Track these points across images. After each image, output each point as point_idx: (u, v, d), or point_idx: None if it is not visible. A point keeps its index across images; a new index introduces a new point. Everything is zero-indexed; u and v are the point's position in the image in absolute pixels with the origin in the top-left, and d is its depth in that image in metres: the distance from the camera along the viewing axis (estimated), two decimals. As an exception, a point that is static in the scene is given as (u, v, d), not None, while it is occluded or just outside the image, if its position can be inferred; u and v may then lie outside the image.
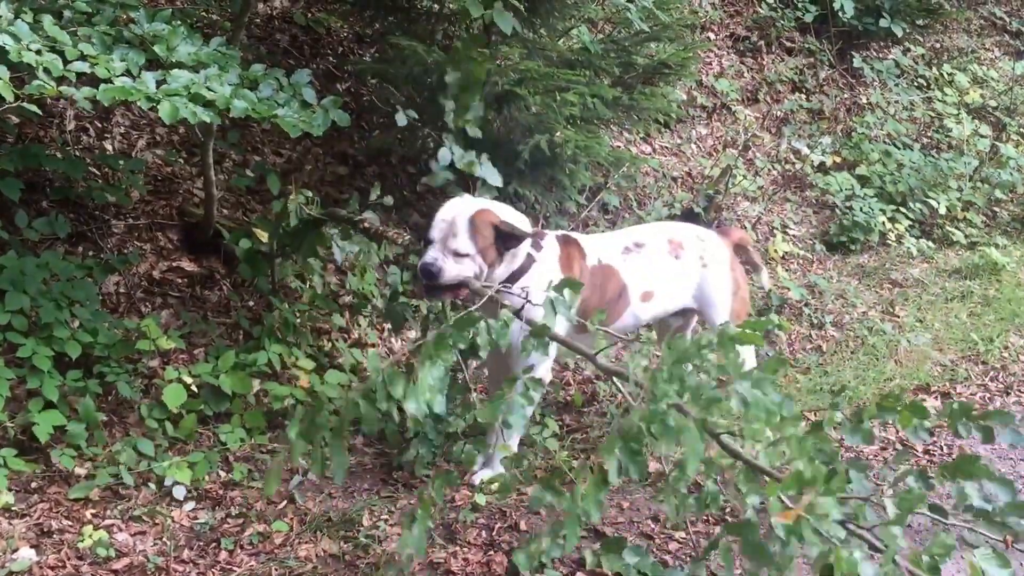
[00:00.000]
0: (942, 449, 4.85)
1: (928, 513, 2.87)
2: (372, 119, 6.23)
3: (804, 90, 8.97)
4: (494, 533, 3.93)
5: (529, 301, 3.40)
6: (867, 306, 6.60)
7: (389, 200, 4.49)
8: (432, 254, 3.81)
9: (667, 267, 4.37)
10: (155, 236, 5.01)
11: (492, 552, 3.80)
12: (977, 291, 6.91)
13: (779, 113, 8.64)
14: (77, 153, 4.88)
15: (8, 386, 3.94)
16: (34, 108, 3.29)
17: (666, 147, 7.85)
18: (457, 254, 3.79)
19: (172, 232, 5.06)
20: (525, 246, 3.96)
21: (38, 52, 3.24)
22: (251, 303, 4.99)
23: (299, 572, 3.61)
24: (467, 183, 4.39)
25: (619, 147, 6.28)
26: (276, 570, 3.61)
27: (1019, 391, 5.52)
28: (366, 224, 4.46)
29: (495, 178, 4.58)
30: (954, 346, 6.05)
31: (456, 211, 3.85)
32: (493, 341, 3.11)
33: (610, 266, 4.24)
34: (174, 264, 4.94)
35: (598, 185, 6.55)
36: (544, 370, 4.10)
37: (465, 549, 3.82)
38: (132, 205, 4.94)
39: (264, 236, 4.70)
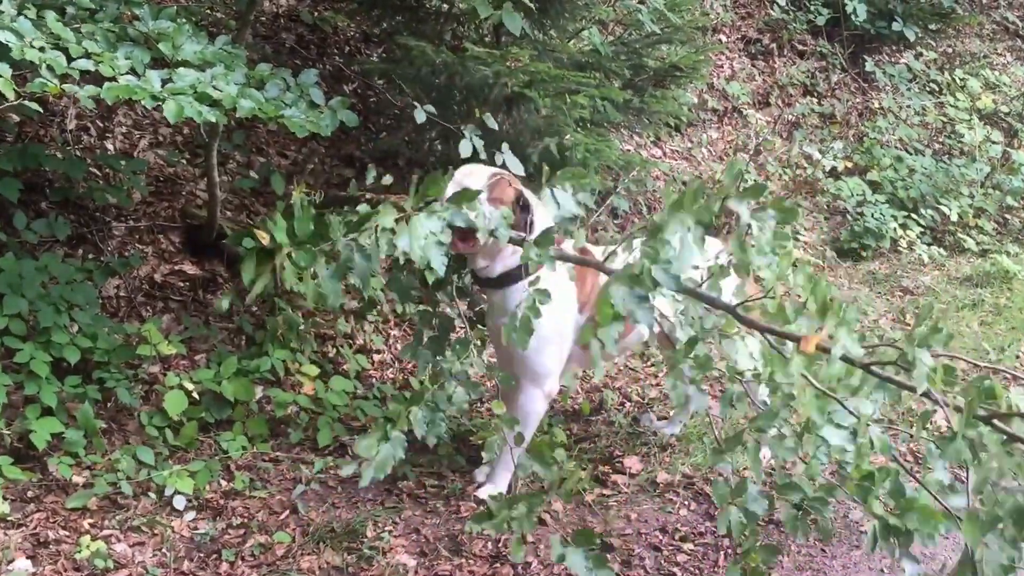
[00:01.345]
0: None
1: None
2: (379, 121, 6.16)
3: (816, 94, 8.90)
4: (500, 544, 3.86)
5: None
6: (878, 314, 6.52)
7: (388, 179, 4.42)
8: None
9: None
10: (156, 238, 4.93)
11: (498, 565, 3.73)
12: (989, 299, 6.84)
13: (790, 117, 8.56)
14: (78, 153, 4.79)
15: (5, 392, 3.85)
16: (35, 106, 3.19)
17: (676, 151, 7.77)
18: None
19: (174, 234, 4.98)
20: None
21: (41, 49, 3.16)
22: (254, 307, 4.90)
23: (301, 583, 3.54)
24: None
25: (629, 151, 6.18)
26: (278, 583, 3.55)
27: (1033, 401, 5.43)
28: (368, 196, 4.41)
29: (518, 167, 4.59)
30: (965, 355, 5.95)
31: (477, 175, 3.70)
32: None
33: None
34: (176, 267, 4.86)
35: (608, 189, 6.47)
36: (552, 382, 4.01)
37: (471, 561, 3.75)
38: (133, 207, 4.86)
39: (266, 238, 4.61)
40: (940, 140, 8.83)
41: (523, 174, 4.71)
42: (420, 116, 4.31)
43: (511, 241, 3.38)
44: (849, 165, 8.12)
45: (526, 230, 3.60)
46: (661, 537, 3.98)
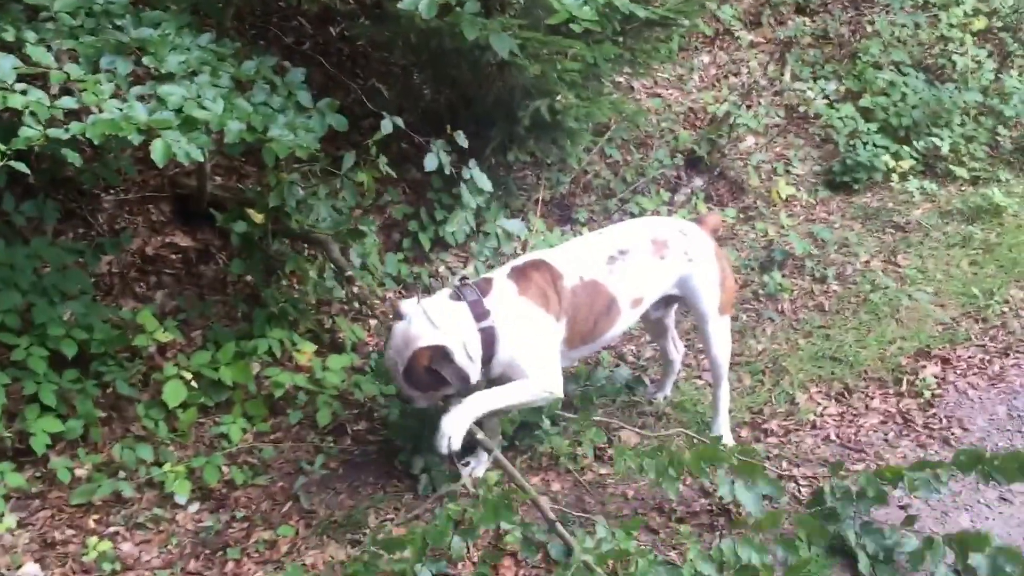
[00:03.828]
0: (941, 422, 4.86)
1: None
2: (368, 65, 6.02)
3: (808, 11, 8.70)
4: (500, 530, 3.93)
5: None
6: (869, 254, 6.52)
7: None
8: (397, 387, 3.96)
9: (654, 269, 4.25)
10: (147, 209, 4.87)
11: (499, 559, 3.80)
12: (979, 236, 6.83)
13: (782, 37, 8.39)
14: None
15: (4, 392, 3.85)
16: (22, 166, 3.08)
17: (668, 79, 7.63)
18: (413, 395, 3.86)
19: (164, 204, 4.91)
20: (473, 347, 3.82)
21: (23, 92, 3.05)
22: (248, 278, 4.87)
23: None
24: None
25: (619, 97, 6.05)
26: (283, 580, 3.63)
27: (1017, 352, 5.50)
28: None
29: (485, 183, 4.97)
30: (954, 300, 6.00)
31: (396, 354, 3.77)
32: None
33: (595, 281, 4.07)
34: (167, 239, 4.81)
35: (598, 130, 6.38)
36: (553, 381, 4.01)
37: (472, 550, 3.82)
38: (122, 179, 4.77)
39: (259, 217, 4.56)
40: (932, 54, 8.66)
41: (490, 189, 4.66)
42: (387, 127, 4.23)
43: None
44: (841, 90, 8.00)
45: (455, 378, 3.74)
46: (658, 518, 4.04)
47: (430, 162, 4.50)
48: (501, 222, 5.55)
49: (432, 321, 3.74)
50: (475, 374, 3.80)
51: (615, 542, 3.50)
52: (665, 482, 3.82)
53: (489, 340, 3.82)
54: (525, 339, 3.90)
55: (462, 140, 4.68)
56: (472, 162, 4.69)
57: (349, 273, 4.84)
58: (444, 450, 3.68)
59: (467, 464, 4.19)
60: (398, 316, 3.83)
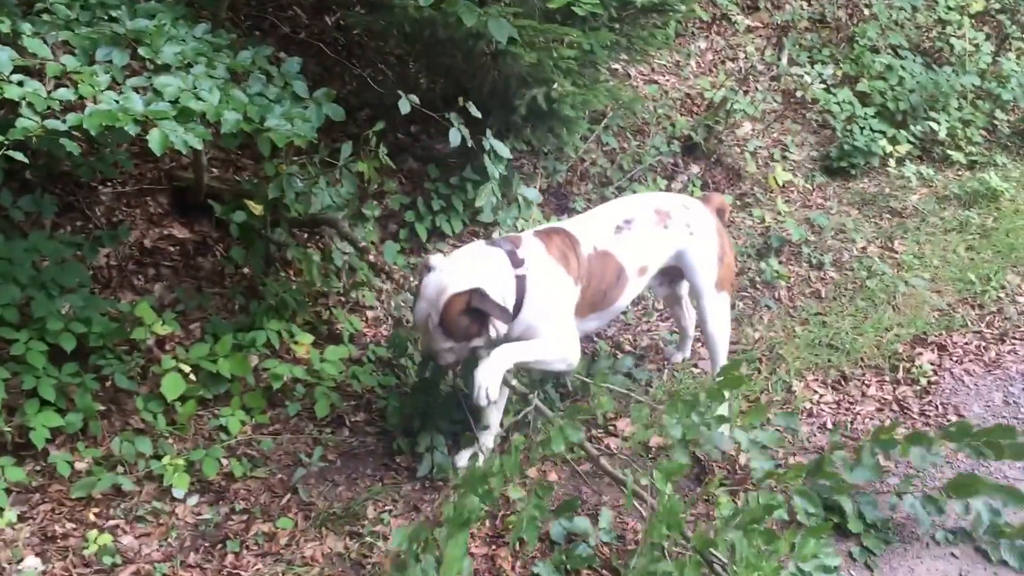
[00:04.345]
0: (937, 409, 4.89)
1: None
2: (364, 55, 6.00)
3: (805, -7, 8.69)
4: (497, 522, 3.96)
5: None
6: (866, 240, 6.54)
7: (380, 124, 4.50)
8: (425, 344, 3.89)
9: (657, 238, 4.31)
10: (144, 201, 4.86)
11: (496, 547, 3.84)
12: (976, 221, 6.85)
13: (779, 21, 8.37)
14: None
15: (3, 387, 3.85)
16: (20, 156, 3.09)
17: (664, 66, 7.61)
18: (443, 348, 3.81)
19: (161, 196, 4.91)
20: (508, 291, 3.84)
21: (20, 84, 3.05)
22: (246, 270, 4.88)
23: (306, 574, 3.64)
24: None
25: (615, 84, 6.05)
26: (283, 573, 3.64)
27: (1014, 338, 5.53)
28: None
29: (504, 150, 4.94)
30: (951, 286, 6.02)
31: (429, 305, 3.74)
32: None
33: (607, 251, 4.15)
34: (165, 232, 4.81)
35: (595, 117, 6.37)
36: (571, 348, 4.04)
37: (471, 540, 3.85)
38: (119, 172, 4.76)
39: (257, 209, 4.56)
40: (930, 38, 8.65)
41: (509, 156, 4.67)
42: (404, 107, 4.22)
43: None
44: (838, 75, 7.99)
45: (497, 313, 3.73)
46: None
47: (454, 136, 4.48)
48: (521, 190, 5.54)
49: (464, 267, 3.78)
50: (508, 319, 3.81)
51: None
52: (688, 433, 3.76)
53: (522, 290, 3.86)
54: (550, 297, 3.94)
55: (475, 111, 4.66)
56: (488, 132, 4.67)
57: (362, 243, 4.80)
58: (483, 401, 3.70)
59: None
60: (427, 269, 3.84)
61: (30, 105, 3.07)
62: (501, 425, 4.25)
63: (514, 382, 3.89)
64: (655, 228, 4.29)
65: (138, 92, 3.30)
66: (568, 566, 3.69)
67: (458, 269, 3.77)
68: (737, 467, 4.30)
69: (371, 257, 4.80)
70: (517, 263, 3.88)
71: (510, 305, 3.83)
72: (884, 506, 4.01)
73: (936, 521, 3.94)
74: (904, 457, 3.99)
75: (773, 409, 4.73)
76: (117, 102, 3.15)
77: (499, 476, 3.35)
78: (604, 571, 3.72)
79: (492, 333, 3.79)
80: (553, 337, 3.95)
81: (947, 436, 3.91)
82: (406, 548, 3.26)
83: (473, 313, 3.69)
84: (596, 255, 4.12)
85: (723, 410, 4.46)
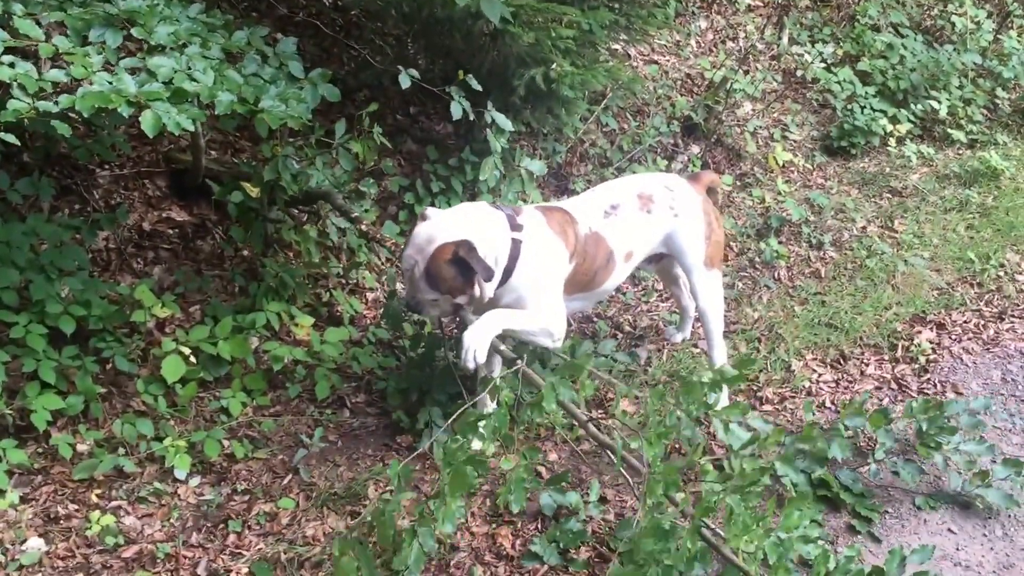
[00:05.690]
0: (935, 387, 4.90)
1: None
2: (362, 35, 5.98)
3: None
4: (497, 501, 3.97)
5: None
6: (866, 220, 6.53)
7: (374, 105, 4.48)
8: (409, 293, 3.84)
9: (641, 223, 4.31)
10: (143, 184, 4.87)
11: (497, 527, 3.86)
12: (975, 200, 6.84)
13: (780, 0, 8.33)
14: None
15: (4, 370, 3.87)
16: (12, 138, 3.09)
17: (664, 45, 7.59)
18: (426, 299, 3.79)
19: (160, 179, 4.91)
20: (501, 250, 3.83)
21: (11, 65, 3.05)
22: (245, 252, 4.89)
23: (308, 553, 3.66)
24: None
25: (615, 64, 6.02)
26: (285, 552, 3.66)
27: (1012, 316, 5.53)
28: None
29: (506, 123, 4.87)
30: (951, 265, 6.02)
31: (416, 252, 3.72)
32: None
33: (599, 233, 4.16)
34: (164, 215, 4.81)
35: (594, 98, 6.36)
36: (558, 323, 4.03)
37: (471, 519, 3.87)
38: (117, 154, 4.76)
39: (254, 191, 4.56)
40: (931, 16, 8.61)
41: (511, 128, 4.66)
42: (405, 81, 4.21)
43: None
44: (839, 54, 7.96)
45: (481, 268, 3.69)
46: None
47: (455, 109, 4.47)
48: (524, 163, 5.54)
49: (459, 220, 3.77)
50: (496, 281, 3.82)
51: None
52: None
53: (515, 254, 3.86)
54: (543, 266, 3.94)
55: (475, 84, 4.63)
56: (489, 104, 4.66)
57: (355, 215, 4.78)
58: (471, 363, 3.70)
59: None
60: (422, 219, 3.82)
61: (22, 87, 3.07)
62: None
63: (503, 347, 3.87)
64: (638, 213, 4.28)
65: (132, 73, 3.29)
66: (561, 543, 3.70)
67: (452, 221, 3.76)
68: (714, 442, 4.30)
69: (363, 226, 4.77)
70: (515, 227, 3.88)
71: (502, 267, 3.82)
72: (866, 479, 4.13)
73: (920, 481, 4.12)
74: (875, 427, 4.11)
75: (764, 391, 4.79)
76: (110, 83, 3.14)
77: (489, 430, 3.37)
78: (600, 547, 3.74)
79: (476, 291, 3.78)
80: (542, 308, 3.96)
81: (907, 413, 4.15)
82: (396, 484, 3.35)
83: (459, 264, 3.66)
84: (591, 235, 4.14)
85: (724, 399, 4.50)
